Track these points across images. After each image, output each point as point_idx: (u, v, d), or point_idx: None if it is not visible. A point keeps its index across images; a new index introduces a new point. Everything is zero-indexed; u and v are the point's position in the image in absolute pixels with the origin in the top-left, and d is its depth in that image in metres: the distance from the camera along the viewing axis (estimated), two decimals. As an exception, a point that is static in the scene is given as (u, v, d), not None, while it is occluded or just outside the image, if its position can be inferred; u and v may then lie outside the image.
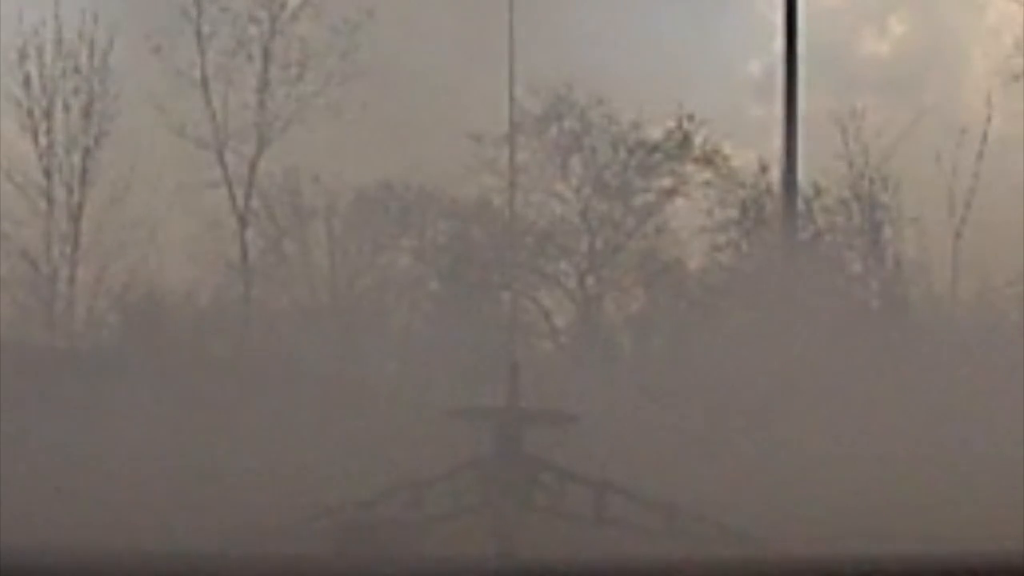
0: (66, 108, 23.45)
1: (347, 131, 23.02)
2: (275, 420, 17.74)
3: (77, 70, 23.43)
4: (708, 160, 24.63)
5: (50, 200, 23.28)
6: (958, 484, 15.43)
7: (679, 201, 24.76)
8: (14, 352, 19.56)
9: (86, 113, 23.46)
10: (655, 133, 24.60)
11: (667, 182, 24.74)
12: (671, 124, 24.50)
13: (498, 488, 10.58)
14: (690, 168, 24.70)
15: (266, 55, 23.99)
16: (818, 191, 24.20)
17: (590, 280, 24.37)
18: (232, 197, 23.76)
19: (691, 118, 24.41)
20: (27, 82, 23.32)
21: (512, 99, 20.11)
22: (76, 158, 23.41)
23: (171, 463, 16.22)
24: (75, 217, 23.30)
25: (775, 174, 24.01)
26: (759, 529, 12.35)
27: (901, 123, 23.73)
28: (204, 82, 23.71)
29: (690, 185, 24.73)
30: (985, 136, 23.68)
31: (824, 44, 24.18)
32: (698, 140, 24.57)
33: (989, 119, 23.68)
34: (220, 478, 15.77)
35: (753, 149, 24.53)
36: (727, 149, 24.61)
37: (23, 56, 23.23)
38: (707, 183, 24.65)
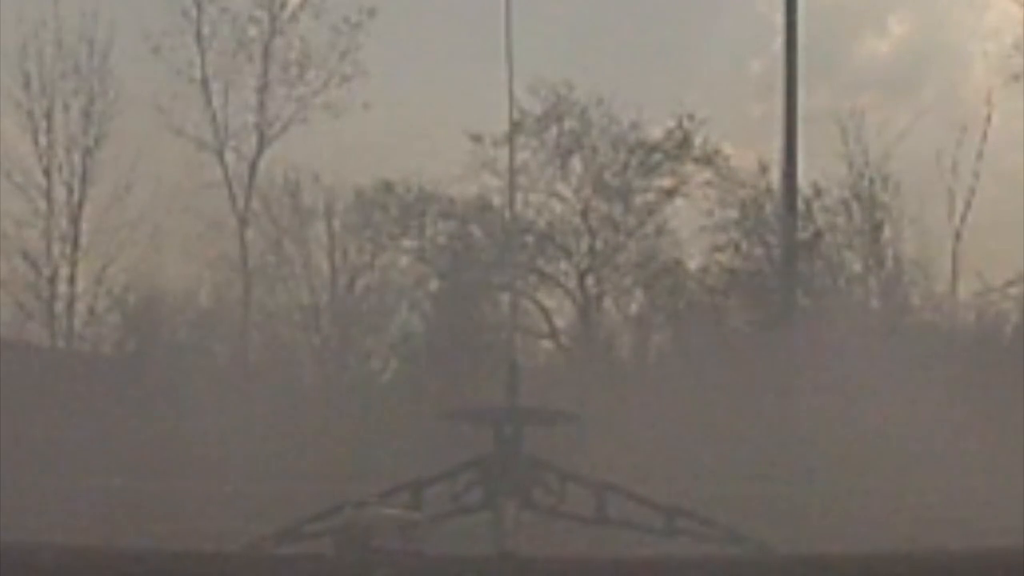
0: (66, 108, 23.46)
1: (347, 131, 23.05)
2: (273, 419, 17.74)
3: (77, 70, 23.46)
4: (708, 160, 24.63)
5: (50, 200, 23.28)
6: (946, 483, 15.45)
7: (679, 201, 24.79)
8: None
9: (86, 113, 23.47)
10: (655, 133, 24.64)
11: (667, 182, 24.76)
12: (671, 124, 24.54)
13: (498, 488, 10.57)
14: (690, 168, 24.71)
15: (266, 55, 24.01)
16: (818, 191, 24.22)
17: (590, 280, 24.37)
18: (232, 197, 23.77)
19: (691, 118, 24.43)
20: (27, 82, 23.34)
21: (511, 98, 20.06)
22: (76, 158, 23.42)
23: (168, 459, 16.23)
24: (75, 217, 23.30)
25: (775, 174, 24.03)
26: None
27: (901, 123, 23.77)
28: (204, 82, 23.74)
29: (690, 185, 24.76)
30: (985, 136, 23.70)
31: (824, 44, 24.22)
32: (698, 140, 24.60)
33: (989, 119, 23.70)
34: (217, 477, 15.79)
35: (753, 149, 24.56)
36: (727, 149, 24.66)
37: (23, 56, 23.25)
38: (707, 183, 24.68)
